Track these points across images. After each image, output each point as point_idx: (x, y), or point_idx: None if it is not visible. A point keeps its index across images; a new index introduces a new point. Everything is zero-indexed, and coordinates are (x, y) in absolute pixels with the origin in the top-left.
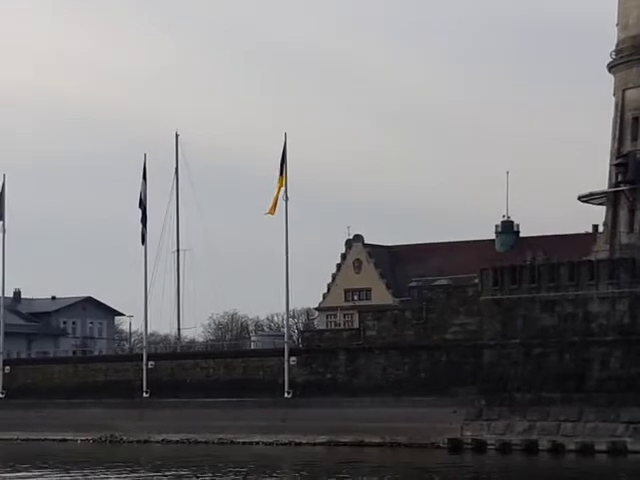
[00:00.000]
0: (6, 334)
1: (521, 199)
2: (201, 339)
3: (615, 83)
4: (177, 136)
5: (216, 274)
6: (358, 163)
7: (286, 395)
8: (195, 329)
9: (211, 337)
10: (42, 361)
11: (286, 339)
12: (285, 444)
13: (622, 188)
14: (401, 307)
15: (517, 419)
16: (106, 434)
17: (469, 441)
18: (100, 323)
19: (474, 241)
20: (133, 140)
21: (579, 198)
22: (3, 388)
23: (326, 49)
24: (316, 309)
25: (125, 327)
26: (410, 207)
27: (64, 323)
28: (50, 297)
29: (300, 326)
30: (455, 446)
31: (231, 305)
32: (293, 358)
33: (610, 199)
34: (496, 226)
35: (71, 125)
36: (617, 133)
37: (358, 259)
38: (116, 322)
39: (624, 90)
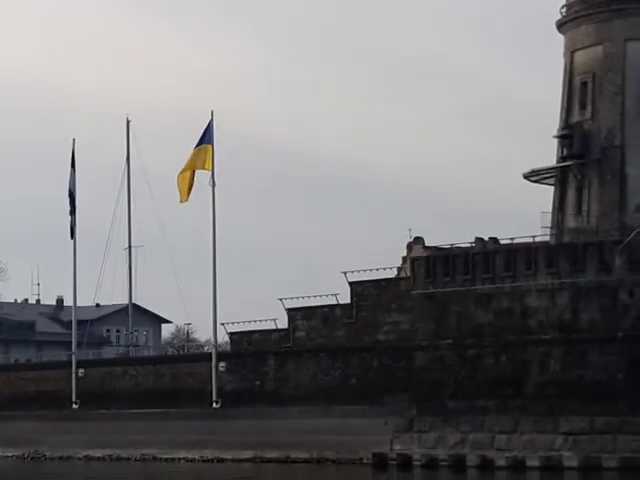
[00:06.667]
0: (47, 343)
1: None
2: None
3: (564, 44)
4: (128, 121)
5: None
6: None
7: (214, 405)
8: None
9: None
10: None
11: (213, 343)
12: (209, 461)
13: (568, 163)
14: (331, 305)
15: (449, 431)
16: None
17: (394, 456)
18: (145, 331)
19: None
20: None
21: (524, 176)
22: None
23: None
24: None
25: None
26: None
27: (107, 331)
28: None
29: None
30: (380, 462)
31: None
32: (222, 364)
33: (557, 176)
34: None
35: None
36: (565, 101)
37: None
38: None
39: (572, 52)
